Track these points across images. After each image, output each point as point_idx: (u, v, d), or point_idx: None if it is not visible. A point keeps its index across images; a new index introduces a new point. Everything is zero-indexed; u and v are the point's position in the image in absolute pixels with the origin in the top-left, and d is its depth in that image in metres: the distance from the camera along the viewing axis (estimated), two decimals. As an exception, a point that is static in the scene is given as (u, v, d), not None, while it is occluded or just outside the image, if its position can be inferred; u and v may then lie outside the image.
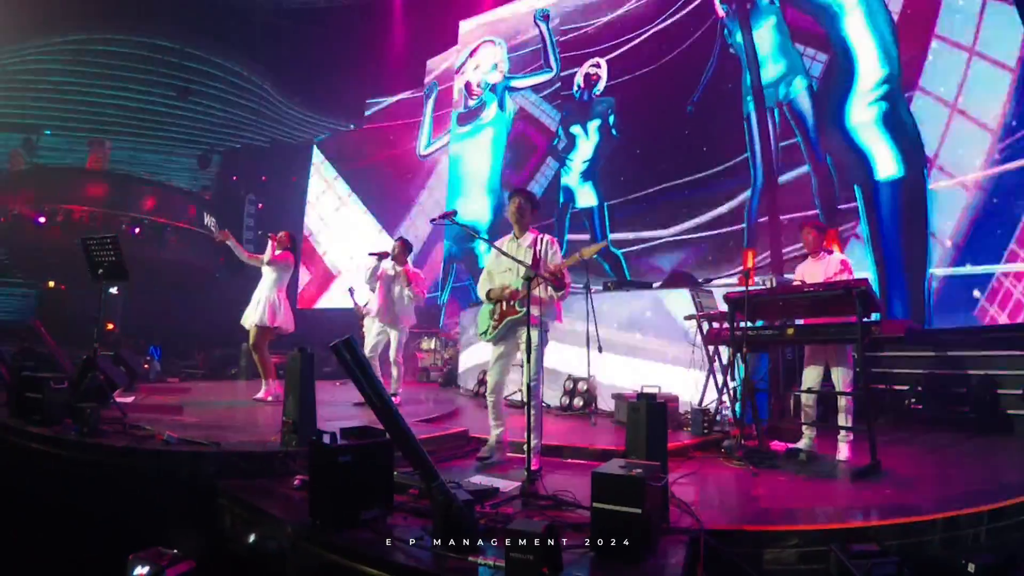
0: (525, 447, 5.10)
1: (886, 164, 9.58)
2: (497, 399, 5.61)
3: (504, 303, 5.45)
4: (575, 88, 15.11)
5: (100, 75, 18.84)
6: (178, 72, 20.09)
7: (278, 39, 21.07)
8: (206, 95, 20.67)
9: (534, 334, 5.12)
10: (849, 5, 10.23)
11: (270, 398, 8.10)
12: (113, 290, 14.98)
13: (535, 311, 5.16)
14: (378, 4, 20.42)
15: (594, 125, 14.58)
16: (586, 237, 14.10)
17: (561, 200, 14.85)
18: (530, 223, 5.63)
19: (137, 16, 19.49)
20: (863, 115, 9.91)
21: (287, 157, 22.07)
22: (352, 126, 21.62)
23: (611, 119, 14.17)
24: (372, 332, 8.77)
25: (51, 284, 17.38)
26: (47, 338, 8.70)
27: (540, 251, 5.39)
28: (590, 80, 14.80)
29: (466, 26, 17.96)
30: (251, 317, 8.15)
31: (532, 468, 5.05)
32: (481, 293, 5.70)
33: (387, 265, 8.51)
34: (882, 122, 9.65)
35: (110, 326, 15.07)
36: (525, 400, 4.78)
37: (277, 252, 8.34)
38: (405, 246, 8.65)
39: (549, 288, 5.20)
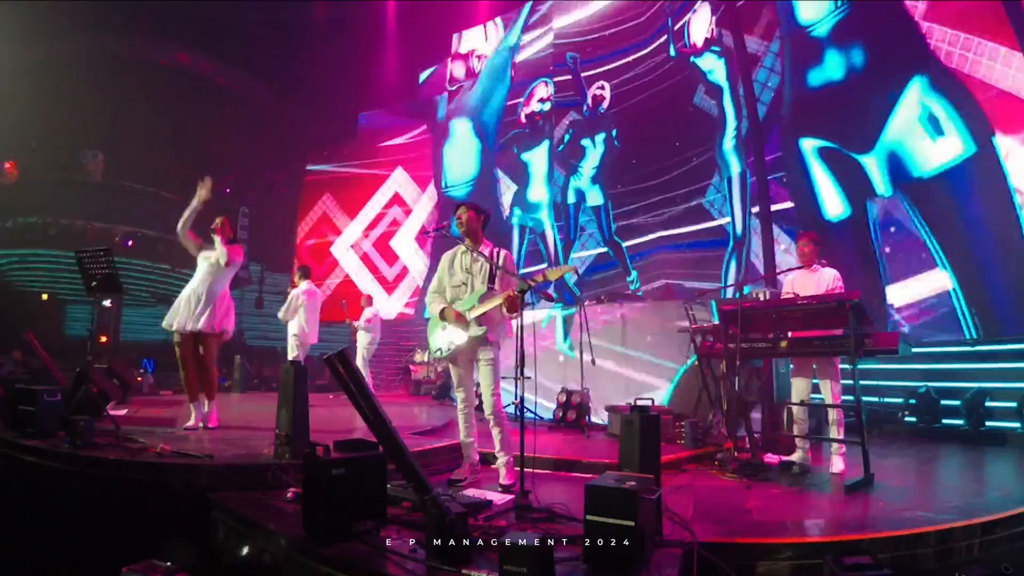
0: (502, 461, 5.21)
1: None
2: (469, 411, 5.40)
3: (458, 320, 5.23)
4: (584, 107, 16.96)
5: (92, 87, 18.79)
6: (170, 84, 20.07)
7: (271, 51, 21.06)
8: (197, 105, 20.64)
9: (491, 351, 5.21)
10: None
11: (216, 424, 7.14)
12: (107, 303, 14.92)
13: (490, 331, 5.18)
14: (372, 17, 20.47)
15: (600, 138, 16.39)
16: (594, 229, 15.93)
17: (573, 200, 16.64)
18: (482, 235, 5.45)
19: (130, 29, 19.47)
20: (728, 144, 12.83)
21: (279, 169, 22.08)
22: (345, 138, 21.64)
23: (614, 132, 16.04)
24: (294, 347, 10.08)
25: (44, 297, 17.31)
26: (40, 351, 8.69)
27: (497, 264, 5.24)
28: (597, 100, 16.69)
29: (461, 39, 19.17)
30: (200, 320, 6.87)
31: (506, 482, 5.07)
32: (433, 309, 5.42)
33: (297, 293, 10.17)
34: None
35: (103, 339, 15.03)
36: (518, 413, 4.78)
37: (228, 246, 7.06)
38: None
39: (503, 308, 5.01)
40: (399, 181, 20.73)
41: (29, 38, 17.66)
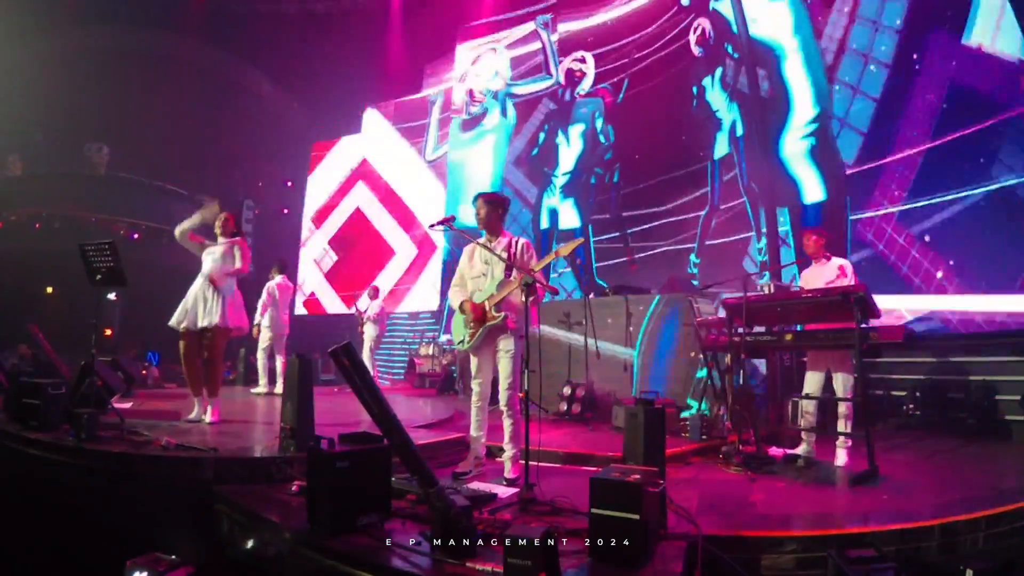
0: (508, 454, 5.23)
1: (813, 190, 9.60)
2: (483, 405, 5.43)
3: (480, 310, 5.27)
4: (559, 89, 13.75)
5: (97, 80, 18.78)
6: (175, 77, 20.07)
7: (276, 44, 21.04)
8: (202, 99, 20.63)
9: (512, 342, 5.21)
10: (789, 48, 10.01)
11: (217, 419, 6.87)
12: (111, 296, 14.96)
13: (511, 318, 5.18)
14: (377, 10, 20.42)
15: (577, 130, 13.14)
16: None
17: (547, 225, 13.47)
18: (500, 226, 5.45)
19: (134, 21, 19.48)
20: (795, 147, 9.83)
21: (284, 162, 22.09)
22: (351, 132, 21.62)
23: (598, 123, 12.79)
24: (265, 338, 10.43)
25: (49, 290, 17.35)
26: (45, 344, 8.69)
27: (515, 254, 5.27)
28: (573, 77, 13.41)
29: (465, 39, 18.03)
30: (208, 316, 6.77)
31: (510, 476, 5.07)
32: (454, 302, 5.50)
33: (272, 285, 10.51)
34: (810, 154, 9.65)
35: (108, 332, 15.07)
36: (524, 407, 4.78)
37: (239, 250, 7.04)
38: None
39: (521, 294, 5.02)
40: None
41: (34, 31, 17.67)
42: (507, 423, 5.22)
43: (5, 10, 16.64)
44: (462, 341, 5.40)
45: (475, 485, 4.81)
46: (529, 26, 15.01)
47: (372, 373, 11.27)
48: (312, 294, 20.19)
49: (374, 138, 19.81)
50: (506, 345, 5.23)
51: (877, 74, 8.84)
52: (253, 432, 6.35)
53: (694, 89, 11.38)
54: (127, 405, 7.53)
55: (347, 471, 3.62)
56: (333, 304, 19.55)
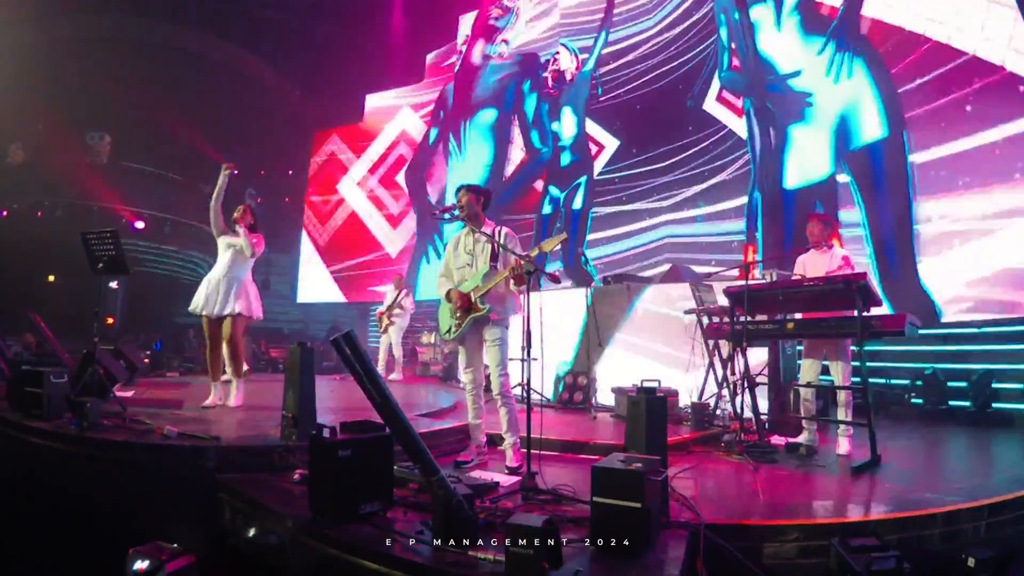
0: (508, 443, 5.22)
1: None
2: (477, 393, 5.45)
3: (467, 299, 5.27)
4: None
5: (99, 68, 18.72)
6: (177, 65, 20.01)
7: (277, 32, 20.99)
8: (204, 88, 20.58)
9: (499, 330, 5.21)
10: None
11: (240, 403, 7.15)
12: (113, 284, 14.96)
13: (496, 310, 5.19)
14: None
15: (487, 118, 10.69)
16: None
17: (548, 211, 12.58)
18: (483, 216, 5.45)
19: (135, 9, 19.43)
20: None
21: (285, 150, 22.04)
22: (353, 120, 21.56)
23: (528, 104, 9.64)
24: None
25: (51, 278, 17.35)
26: (46, 332, 8.69)
27: (499, 243, 5.23)
28: (491, 30, 10.14)
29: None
30: (230, 304, 7.02)
31: (512, 465, 5.07)
32: (440, 291, 5.50)
33: None
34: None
35: (110, 320, 15.07)
36: (525, 396, 4.77)
37: (253, 239, 7.25)
38: None
39: (511, 283, 5.10)
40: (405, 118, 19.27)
41: (35, 20, 17.61)
42: (503, 411, 5.22)
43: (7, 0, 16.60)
44: (448, 331, 5.39)
45: (477, 474, 4.81)
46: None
47: (401, 365, 11.35)
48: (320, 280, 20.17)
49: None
50: (492, 334, 5.24)
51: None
52: (255, 420, 6.35)
53: (723, 35, 7.82)
54: (129, 393, 7.54)
55: (349, 460, 3.62)
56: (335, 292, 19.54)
